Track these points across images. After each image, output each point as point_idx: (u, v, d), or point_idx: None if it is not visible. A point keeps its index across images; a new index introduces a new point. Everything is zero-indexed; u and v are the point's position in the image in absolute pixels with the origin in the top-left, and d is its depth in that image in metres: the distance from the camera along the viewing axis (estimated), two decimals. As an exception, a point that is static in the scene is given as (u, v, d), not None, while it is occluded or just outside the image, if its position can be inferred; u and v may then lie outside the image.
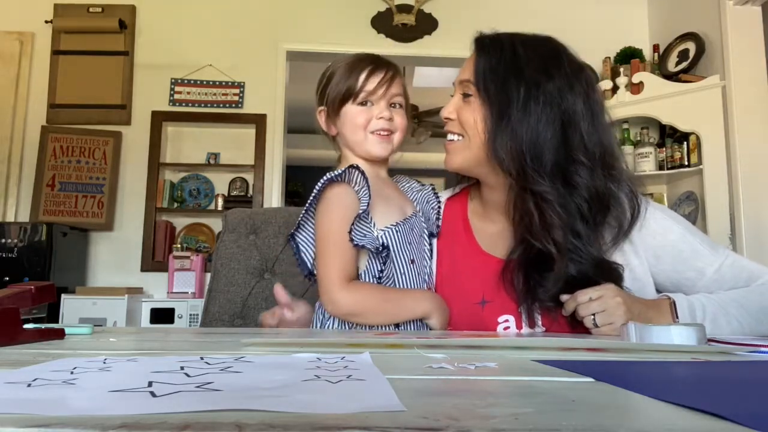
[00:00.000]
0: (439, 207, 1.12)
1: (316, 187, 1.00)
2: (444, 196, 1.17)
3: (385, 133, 1.04)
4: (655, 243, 0.99)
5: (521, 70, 0.95)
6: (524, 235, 0.98)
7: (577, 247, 0.93)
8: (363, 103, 1.04)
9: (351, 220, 0.95)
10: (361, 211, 0.95)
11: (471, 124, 0.99)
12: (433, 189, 1.17)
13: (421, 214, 1.09)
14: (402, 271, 1.00)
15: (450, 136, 1.05)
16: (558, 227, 0.92)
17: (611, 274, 0.94)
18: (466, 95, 1.01)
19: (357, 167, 0.98)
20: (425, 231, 1.08)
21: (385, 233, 0.98)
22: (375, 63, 1.06)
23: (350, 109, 1.04)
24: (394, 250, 0.99)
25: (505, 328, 0.98)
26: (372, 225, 0.98)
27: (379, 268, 0.98)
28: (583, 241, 0.93)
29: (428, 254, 1.08)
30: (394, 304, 0.97)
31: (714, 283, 0.98)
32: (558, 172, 0.93)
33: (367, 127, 1.03)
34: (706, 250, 1.00)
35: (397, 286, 0.99)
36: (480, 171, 1.02)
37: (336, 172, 0.98)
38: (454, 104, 1.03)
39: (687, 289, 0.99)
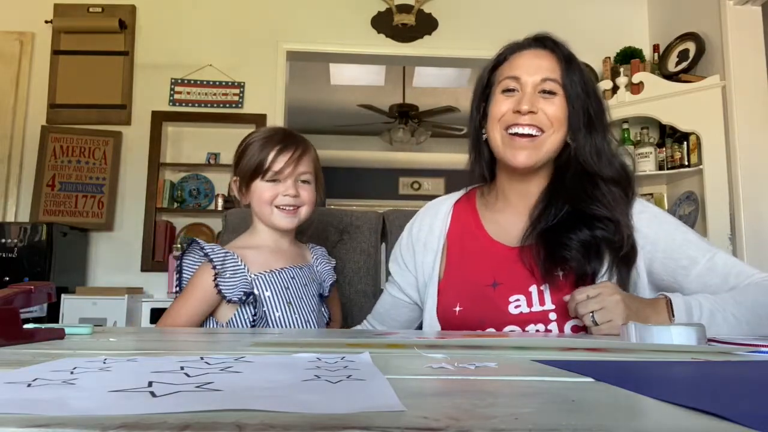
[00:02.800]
0: (333, 274, 1.28)
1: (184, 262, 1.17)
2: (450, 200, 1.21)
3: (290, 208, 1.16)
4: (650, 231, 1.05)
5: (593, 86, 1.09)
6: (554, 208, 1.05)
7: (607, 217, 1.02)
8: (271, 180, 1.15)
9: (203, 298, 1.10)
10: (216, 273, 1.09)
11: (558, 119, 1.03)
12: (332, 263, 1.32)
13: (314, 269, 1.24)
14: (275, 309, 1.11)
15: (527, 130, 1.03)
16: (604, 199, 1.03)
17: (631, 250, 1.01)
18: (549, 93, 1.04)
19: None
20: (314, 282, 1.22)
21: (257, 278, 1.12)
22: (284, 142, 1.16)
23: (258, 185, 1.15)
24: (263, 293, 1.11)
25: (516, 307, 1.02)
26: (246, 271, 1.12)
27: (252, 312, 1.11)
28: (615, 206, 1.03)
29: (315, 300, 1.19)
30: None
31: (708, 272, 1.02)
32: (606, 161, 1.07)
33: (273, 202, 1.15)
34: (698, 240, 1.07)
35: (270, 325, 1.11)
36: (543, 165, 1.07)
37: (207, 250, 1.12)
38: (532, 99, 1.03)
39: (681, 277, 1.03)
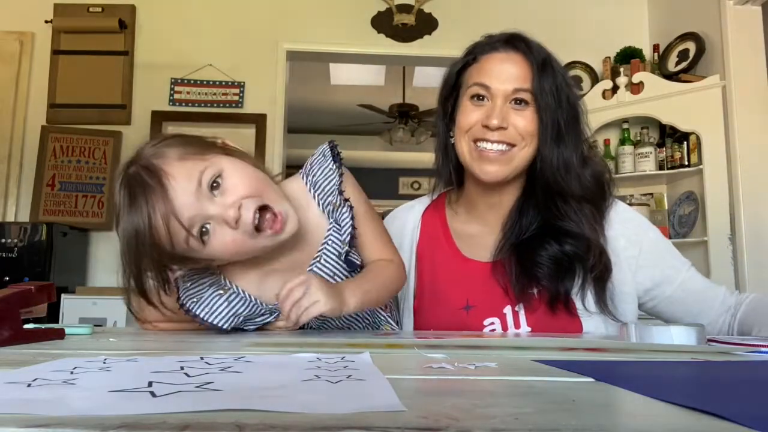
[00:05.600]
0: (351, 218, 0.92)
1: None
2: (417, 209, 1.15)
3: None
4: (638, 238, 1.05)
5: (566, 92, 1.01)
6: (526, 222, 1.01)
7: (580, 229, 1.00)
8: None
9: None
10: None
11: (529, 133, 0.98)
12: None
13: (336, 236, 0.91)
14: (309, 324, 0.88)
15: (496, 146, 0.98)
16: (577, 214, 1.00)
17: (602, 262, 0.99)
18: (520, 102, 0.99)
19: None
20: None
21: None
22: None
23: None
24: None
25: (491, 331, 0.99)
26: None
27: None
28: (585, 223, 1.00)
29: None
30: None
31: (690, 281, 1.04)
32: (575, 176, 1.01)
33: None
34: (676, 252, 1.08)
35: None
36: (514, 176, 1.02)
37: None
38: (503, 112, 0.98)
39: (666, 286, 1.04)
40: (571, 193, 0.99)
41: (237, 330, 0.89)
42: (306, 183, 0.94)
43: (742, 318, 1.00)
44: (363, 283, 0.86)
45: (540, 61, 1.00)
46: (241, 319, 0.86)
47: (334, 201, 0.91)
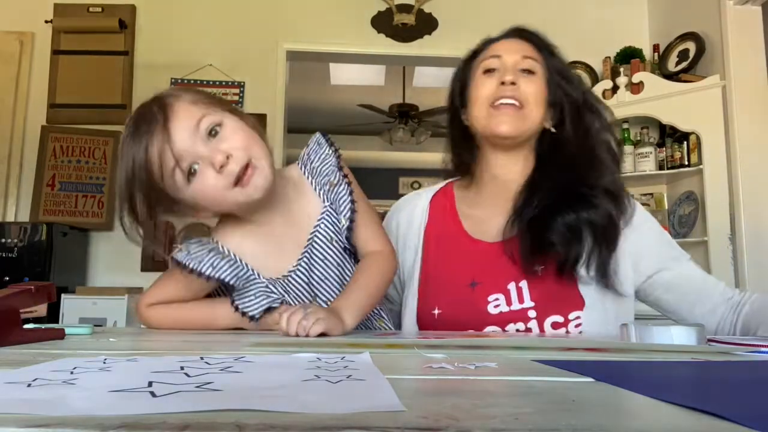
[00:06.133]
0: (351, 203, 0.94)
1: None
2: (427, 195, 1.18)
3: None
4: (637, 224, 1.07)
5: (573, 75, 1.10)
6: (539, 188, 1.04)
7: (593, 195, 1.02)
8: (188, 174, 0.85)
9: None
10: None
11: (537, 97, 1.03)
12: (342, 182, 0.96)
13: (331, 218, 0.94)
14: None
15: (511, 101, 1.03)
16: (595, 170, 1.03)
17: (614, 229, 1.01)
18: (528, 71, 1.05)
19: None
20: (335, 243, 0.94)
21: (274, 284, 0.91)
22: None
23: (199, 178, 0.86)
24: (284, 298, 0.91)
25: (496, 306, 1.01)
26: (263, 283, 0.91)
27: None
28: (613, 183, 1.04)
29: (337, 269, 0.94)
30: (188, 318, 0.94)
31: (689, 271, 1.07)
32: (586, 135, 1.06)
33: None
34: (675, 244, 1.12)
35: None
36: (523, 139, 1.06)
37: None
38: (515, 74, 1.04)
39: (666, 272, 1.06)
40: (598, 154, 1.04)
41: (237, 330, 0.90)
42: (304, 172, 0.97)
43: (747, 318, 1.00)
44: (356, 299, 0.87)
45: (546, 45, 1.09)
46: (244, 281, 0.90)
47: (331, 179, 0.94)
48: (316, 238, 0.93)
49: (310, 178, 0.96)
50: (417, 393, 0.35)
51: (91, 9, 3.66)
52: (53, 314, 2.96)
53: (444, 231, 1.11)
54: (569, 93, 1.06)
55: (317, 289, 0.94)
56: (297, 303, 0.92)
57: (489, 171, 1.11)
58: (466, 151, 1.13)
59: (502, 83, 1.03)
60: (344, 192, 0.94)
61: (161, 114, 0.82)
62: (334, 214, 0.94)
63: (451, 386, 0.39)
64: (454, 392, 0.36)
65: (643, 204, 3.35)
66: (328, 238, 0.94)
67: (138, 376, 0.38)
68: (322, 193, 0.95)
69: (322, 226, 0.94)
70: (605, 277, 1.00)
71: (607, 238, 1.00)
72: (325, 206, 0.94)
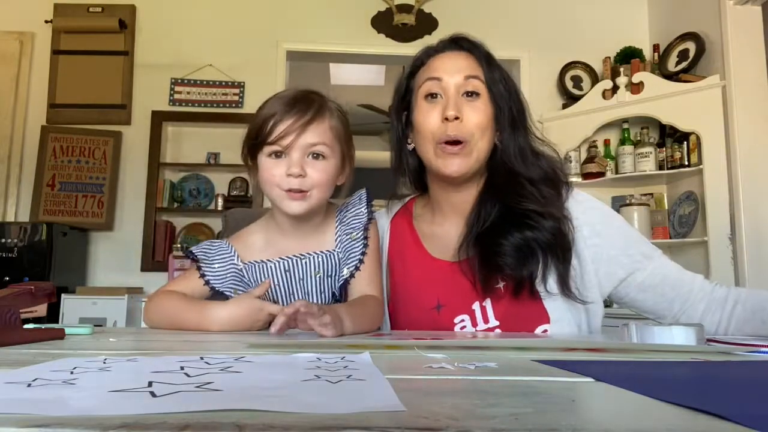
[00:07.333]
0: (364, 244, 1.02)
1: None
2: (387, 217, 1.16)
3: (296, 192, 0.93)
4: (603, 229, 1.04)
5: (513, 85, 1.05)
6: (485, 211, 1.02)
7: (540, 214, 1.00)
8: (274, 155, 0.95)
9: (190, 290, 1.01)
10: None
11: (483, 126, 0.99)
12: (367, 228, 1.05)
13: (334, 256, 1.01)
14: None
15: (453, 138, 0.99)
16: (537, 198, 1.01)
17: (564, 243, 0.99)
18: (472, 94, 1.00)
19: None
20: (319, 276, 1.01)
21: (248, 267, 1.01)
22: (289, 104, 0.95)
23: (262, 161, 0.96)
24: (254, 284, 1.00)
25: (462, 328, 1.00)
26: (236, 259, 1.02)
27: None
28: (546, 204, 1.01)
29: (314, 297, 1.02)
30: (180, 313, 0.95)
31: (663, 267, 1.04)
32: (531, 161, 1.04)
33: (278, 183, 0.94)
34: (645, 239, 1.07)
35: None
36: (475, 173, 1.03)
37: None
38: (457, 104, 0.99)
39: (638, 273, 1.03)
40: (529, 177, 1.01)
41: (237, 330, 0.90)
42: (337, 216, 1.06)
43: (740, 322, 0.98)
44: (354, 311, 0.89)
45: (485, 55, 1.03)
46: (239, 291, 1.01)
47: (352, 234, 1.03)
48: (309, 259, 1.02)
49: (338, 224, 1.05)
50: (417, 393, 0.35)
51: (91, 9, 3.66)
52: (53, 314, 2.96)
53: (406, 253, 1.10)
54: (512, 108, 1.02)
55: (294, 287, 1.02)
56: (273, 292, 1.02)
57: (442, 194, 1.09)
58: (413, 172, 1.11)
59: (446, 118, 0.97)
60: (358, 249, 1.01)
61: (315, 102, 0.98)
62: (336, 260, 1.02)
63: (451, 386, 0.39)
64: (454, 392, 0.36)
65: (643, 204, 3.35)
66: (317, 270, 1.03)
67: (138, 376, 0.38)
68: (338, 241, 1.03)
69: (321, 259, 1.02)
70: (567, 290, 0.98)
71: (558, 252, 0.98)
72: (335, 251, 1.03)
